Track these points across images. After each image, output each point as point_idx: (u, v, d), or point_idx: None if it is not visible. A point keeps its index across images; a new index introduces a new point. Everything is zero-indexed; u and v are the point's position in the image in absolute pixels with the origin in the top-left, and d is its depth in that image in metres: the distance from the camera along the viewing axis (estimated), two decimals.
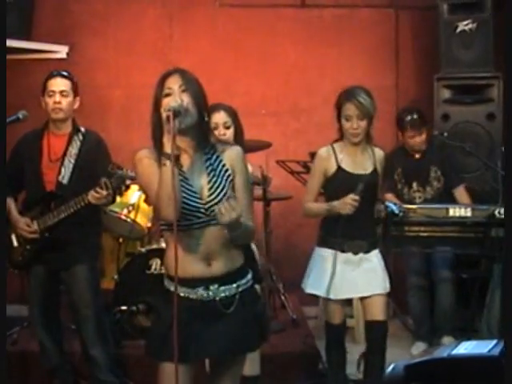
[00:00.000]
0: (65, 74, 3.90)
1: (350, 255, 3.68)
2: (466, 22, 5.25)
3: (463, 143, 4.89)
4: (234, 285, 2.65)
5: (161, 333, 2.60)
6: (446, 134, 4.82)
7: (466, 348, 2.03)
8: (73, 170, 3.84)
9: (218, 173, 2.65)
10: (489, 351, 1.97)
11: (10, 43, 4.99)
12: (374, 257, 3.74)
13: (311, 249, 3.85)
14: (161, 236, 4.35)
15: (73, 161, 3.85)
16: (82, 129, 3.94)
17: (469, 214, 4.17)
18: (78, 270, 3.85)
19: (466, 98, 5.30)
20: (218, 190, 2.62)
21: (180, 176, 2.58)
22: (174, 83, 2.60)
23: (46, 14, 5.73)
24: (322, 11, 5.87)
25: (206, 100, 2.66)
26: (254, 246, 3.69)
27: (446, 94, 5.34)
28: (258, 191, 4.66)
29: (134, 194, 4.79)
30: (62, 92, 3.83)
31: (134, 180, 3.69)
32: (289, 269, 5.30)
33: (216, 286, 2.61)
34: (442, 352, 2.05)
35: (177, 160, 2.54)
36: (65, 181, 3.84)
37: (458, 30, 5.26)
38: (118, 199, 4.23)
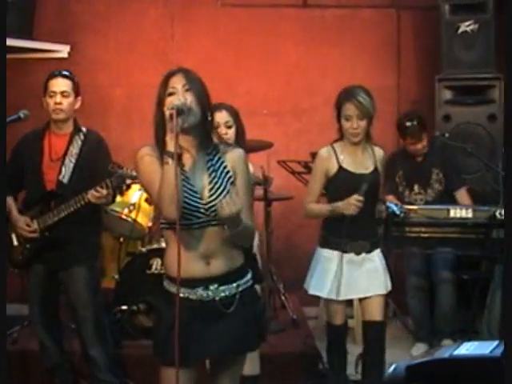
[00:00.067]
0: (66, 73, 3.90)
1: (352, 255, 3.68)
2: (467, 23, 5.25)
3: (464, 144, 4.89)
4: (234, 284, 2.64)
5: (162, 334, 2.60)
6: (447, 135, 4.82)
7: (468, 349, 2.03)
8: (73, 169, 3.84)
9: (219, 174, 2.64)
10: (490, 352, 1.97)
11: (12, 42, 4.99)
12: (376, 256, 3.74)
13: (312, 249, 3.85)
14: (161, 236, 4.35)
15: (73, 160, 3.85)
16: (84, 129, 3.94)
17: (470, 215, 4.17)
18: (76, 271, 3.85)
19: (467, 98, 5.30)
20: (219, 191, 2.61)
21: (181, 175, 2.57)
22: (177, 82, 2.60)
23: (48, 14, 5.73)
24: (323, 11, 5.87)
25: (209, 100, 2.66)
26: (255, 246, 3.68)
27: (448, 94, 5.34)
28: (259, 191, 4.66)
29: (134, 194, 4.79)
30: (62, 92, 3.83)
31: (134, 179, 3.70)
32: (289, 269, 5.31)
33: (216, 285, 2.61)
34: (443, 353, 2.05)
35: (179, 159, 2.53)
36: (65, 180, 3.84)
37: (460, 30, 5.26)
38: (119, 198, 4.24)
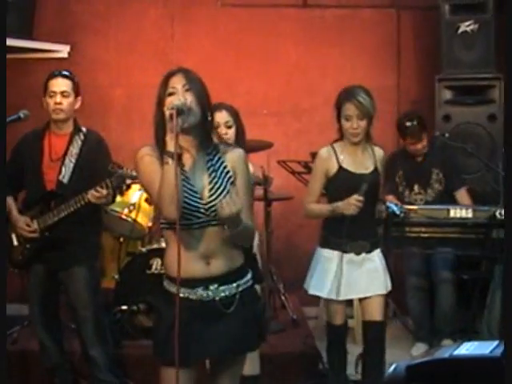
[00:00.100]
0: (66, 73, 3.90)
1: (353, 256, 3.67)
2: (467, 23, 5.25)
3: (464, 144, 4.89)
4: (234, 284, 2.64)
5: (162, 334, 2.60)
6: (447, 135, 4.82)
7: (468, 349, 2.03)
8: (73, 169, 3.84)
9: (219, 174, 2.64)
10: (491, 352, 1.97)
11: (12, 42, 4.99)
12: (376, 256, 3.73)
13: (312, 249, 3.85)
14: (161, 236, 4.35)
15: (73, 160, 3.85)
16: (84, 129, 3.94)
17: (470, 215, 4.16)
18: (76, 271, 3.85)
19: (467, 98, 5.30)
20: (219, 191, 2.61)
21: (181, 175, 2.57)
22: (177, 82, 2.60)
23: (48, 14, 5.73)
24: (323, 11, 5.87)
25: (209, 100, 2.66)
26: (255, 246, 3.68)
27: (448, 94, 5.34)
28: (259, 191, 4.66)
29: (134, 194, 4.79)
30: (62, 93, 3.83)
31: (134, 179, 3.70)
32: (289, 269, 5.31)
33: (215, 285, 2.61)
34: (443, 353, 2.05)
35: (179, 159, 2.53)
36: (65, 180, 3.84)
37: (460, 30, 5.26)
38: (119, 198, 4.24)
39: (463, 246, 4.26)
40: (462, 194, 4.84)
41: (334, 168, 3.69)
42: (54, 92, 3.82)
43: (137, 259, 4.54)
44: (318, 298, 3.95)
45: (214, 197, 2.60)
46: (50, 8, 5.75)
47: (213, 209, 2.57)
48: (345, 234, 3.57)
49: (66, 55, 5.70)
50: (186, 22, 5.84)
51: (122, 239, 5.01)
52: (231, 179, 2.65)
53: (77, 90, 3.89)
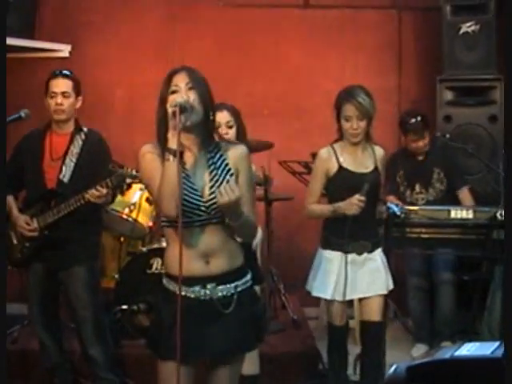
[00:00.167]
0: (67, 73, 3.90)
1: (354, 256, 3.67)
2: (469, 24, 5.25)
3: (465, 145, 4.89)
4: (232, 285, 2.63)
5: (160, 332, 2.60)
6: (448, 136, 4.82)
7: (469, 350, 2.02)
8: (74, 168, 3.84)
9: (220, 172, 2.64)
10: (491, 353, 1.97)
11: (13, 42, 4.99)
12: (378, 256, 3.73)
13: (313, 249, 3.84)
14: (162, 235, 4.35)
15: (74, 159, 3.85)
16: (85, 128, 3.94)
17: (470, 215, 4.16)
18: (76, 271, 3.85)
19: (468, 99, 5.30)
20: None
21: (182, 173, 2.57)
22: (180, 81, 2.60)
23: (49, 13, 5.73)
24: (325, 12, 5.87)
25: (212, 99, 2.66)
26: (254, 245, 3.68)
27: (449, 95, 5.34)
28: (260, 192, 4.66)
29: (135, 193, 4.79)
30: (63, 93, 3.83)
31: (134, 179, 3.70)
32: (290, 269, 5.31)
33: (213, 284, 2.60)
34: (444, 353, 2.04)
35: (180, 157, 2.53)
36: (66, 179, 3.84)
37: (461, 31, 5.26)
38: (120, 198, 4.24)
39: (464, 247, 4.25)
40: (464, 193, 4.84)
41: (334, 168, 3.68)
42: (55, 93, 3.82)
43: (137, 259, 4.54)
44: (319, 298, 3.94)
45: (214, 195, 2.58)
46: (52, 7, 5.75)
47: (213, 207, 2.57)
48: (346, 235, 3.57)
49: (67, 54, 5.71)
50: (187, 21, 5.84)
51: (122, 239, 5.01)
52: (232, 177, 2.65)
53: (78, 90, 3.90)
